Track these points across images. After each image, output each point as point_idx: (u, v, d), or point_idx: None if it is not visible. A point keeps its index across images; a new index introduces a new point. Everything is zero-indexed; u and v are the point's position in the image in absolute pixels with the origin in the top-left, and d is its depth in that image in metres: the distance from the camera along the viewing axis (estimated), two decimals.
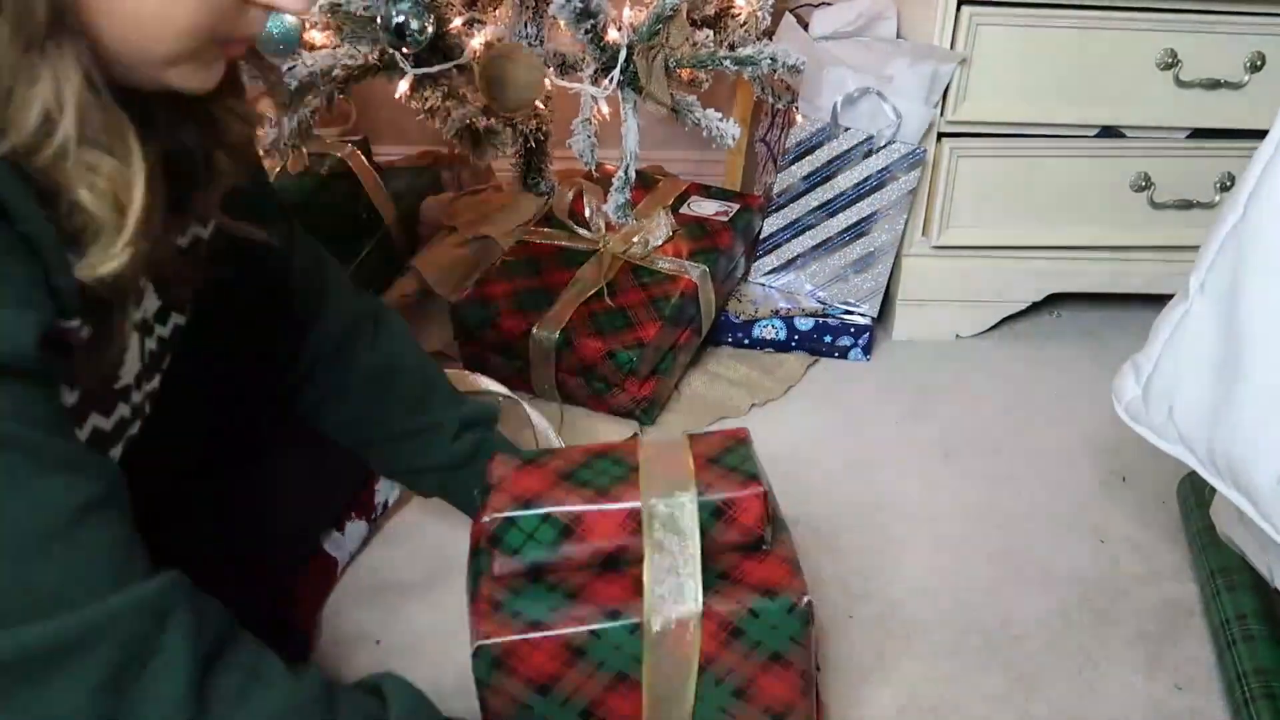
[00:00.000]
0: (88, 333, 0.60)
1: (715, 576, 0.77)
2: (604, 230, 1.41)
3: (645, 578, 0.75)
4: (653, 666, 0.75)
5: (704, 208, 1.50)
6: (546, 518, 0.76)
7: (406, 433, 0.95)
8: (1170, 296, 0.90)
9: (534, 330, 1.28)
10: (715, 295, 1.41)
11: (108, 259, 0.56)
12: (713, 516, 0.77)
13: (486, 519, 0.76)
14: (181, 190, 0.68)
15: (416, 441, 0.96)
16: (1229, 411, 0.80)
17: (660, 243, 1.41)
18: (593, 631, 0.74)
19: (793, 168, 1.47)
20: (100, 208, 0.55)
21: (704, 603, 0.75)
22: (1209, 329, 0.84)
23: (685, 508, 0.76)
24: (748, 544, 0.79)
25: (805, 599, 0.77)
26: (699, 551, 0.75)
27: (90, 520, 0.55)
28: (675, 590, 0.74)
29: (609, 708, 0.76)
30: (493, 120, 1.27)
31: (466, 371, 1.14)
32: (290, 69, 1.25)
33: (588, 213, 1.43)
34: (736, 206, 1.51)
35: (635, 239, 1.39)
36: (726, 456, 0.81)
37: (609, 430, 1.28)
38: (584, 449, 0.85)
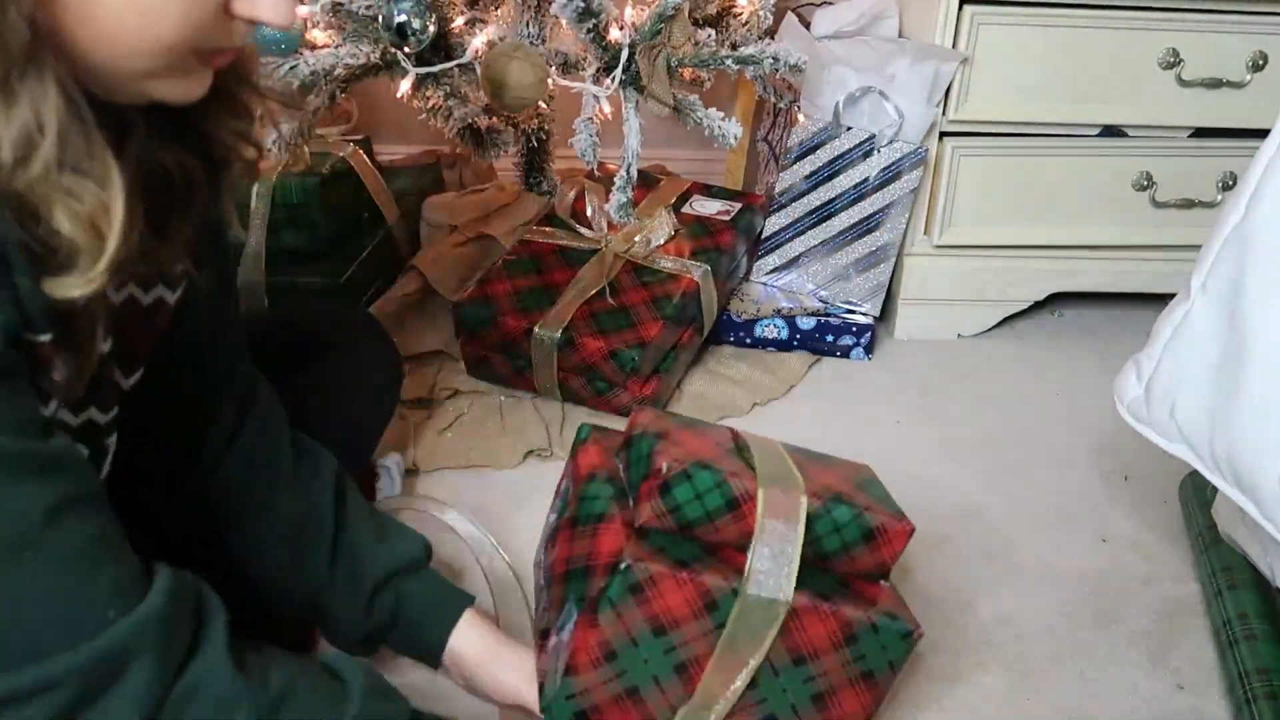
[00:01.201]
0: (55, 347, 0.59)
1: (837, 584, 0.79)
2: (606, 229, 1.42)
3: (750, 555, 0.76)
4: (730, 635, 0.76)
5: (706, 207, 1.50)
6: (720, 485, 0.76)
7: (321, 589, 0.86)
8: (1172, 296, 0.90)
9: (536, 330, 1.28)
10: (717, 294, 1.41)
11: (84, 283, 0.55)
12: (862, 538, 0.79)
13: (664, 465, 0.76)
14: (159, 212, 0.66)
15: (332, 603, 0.86)
16: (1231, 411, 0.80)
17: (662, 242, 1.41)
18: (734, 589, 0.75)
19: (795, 167, 1.47)
20: (79, 233, 0.54)
21: (834, 604, 0.76)
22: (1211, 329, 0.84)
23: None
24: (875, 573, 0.81)
25: (920, 631, 0.79)
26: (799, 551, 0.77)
27: (65, 520, 0.56)
28: (779, 574, 0.76)
29: (702, 669, 0.77)
30: (494, 120, 1.27)
31: (430, 509, 1.13)
32: (292, 68, 1.25)
33: (589, 212, 1.43)
34: (738, 206, 1.51)
35: (637, 238, 1.40)
36: (871, 487, 0.84)
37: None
38: (729, 431, 0.87)
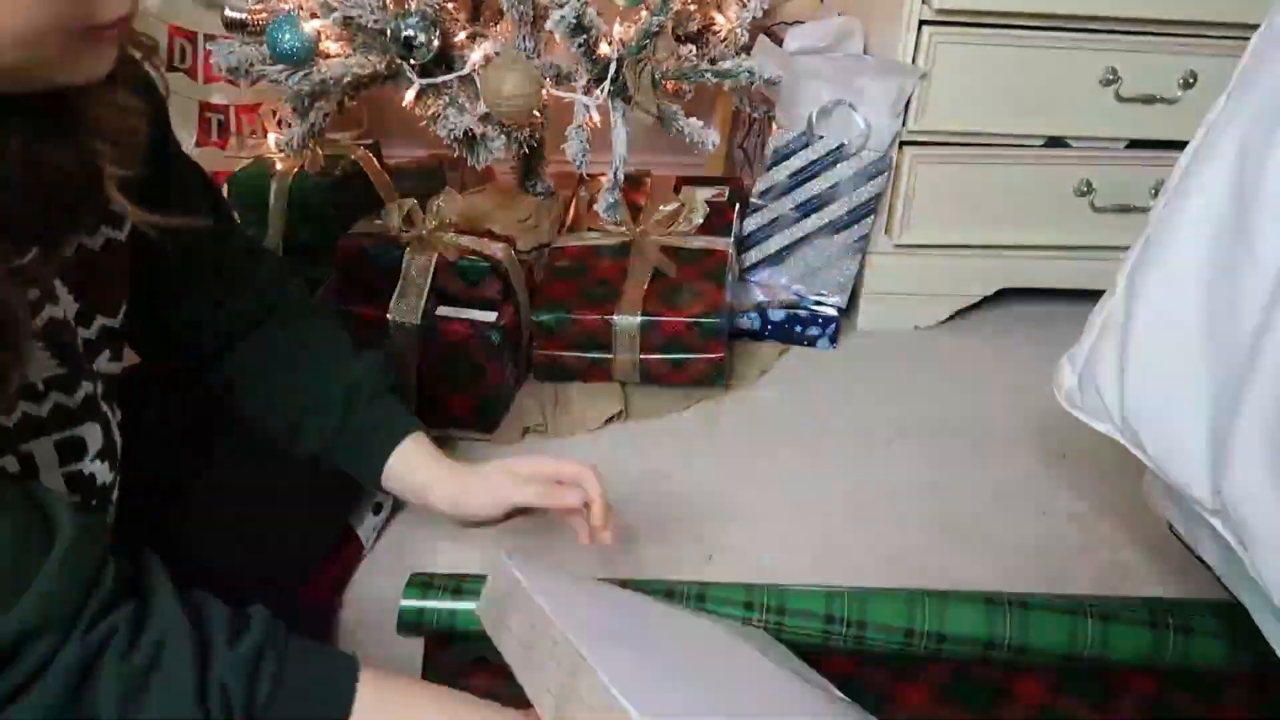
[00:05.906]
0: None
1: None
2: (632, 222, 1.47)
3: None
4: None
5: (703, 193, 1.58)
6: None
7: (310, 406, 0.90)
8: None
9: (614, 318, 1.34)
10: (737, 266, 1.48)
11: None
12: None
13: None
14: (66, 198, 0.64)
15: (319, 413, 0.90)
16: (1125, 377, 0.86)
17: (701, 221, 1.47)
18: None
19: (770, 172, 1.52)
20: None
21: None
22: (1122, 314, 0.89)
23: None
24: None
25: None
26: None
27: None
28: None
29: None
30: (489, 127, 1.29)
31: None
32: (305, 75, 1.28)
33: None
34: (727, 189, 1.59)
35: (680, 219, 1.46)
36: None
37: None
38: None
